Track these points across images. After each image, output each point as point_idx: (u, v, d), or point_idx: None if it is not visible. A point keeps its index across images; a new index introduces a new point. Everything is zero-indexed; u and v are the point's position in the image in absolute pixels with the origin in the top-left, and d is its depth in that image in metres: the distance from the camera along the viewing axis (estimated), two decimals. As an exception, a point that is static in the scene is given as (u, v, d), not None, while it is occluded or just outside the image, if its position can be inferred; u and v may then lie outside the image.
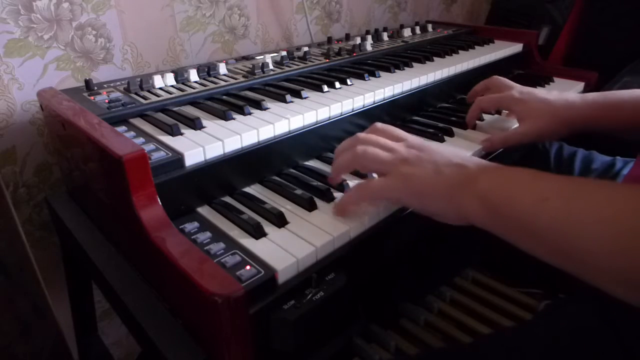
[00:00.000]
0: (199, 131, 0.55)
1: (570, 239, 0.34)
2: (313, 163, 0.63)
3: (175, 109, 0.62)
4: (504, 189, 0.40)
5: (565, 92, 0.72)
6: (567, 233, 0.34)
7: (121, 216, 0.47)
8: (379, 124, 0.54)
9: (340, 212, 0.50)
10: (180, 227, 0.47)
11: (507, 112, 0.77)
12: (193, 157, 0.50)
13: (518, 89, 0.71)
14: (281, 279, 0.41)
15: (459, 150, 0.49)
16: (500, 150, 0.70)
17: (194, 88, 0.66)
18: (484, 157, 0.68)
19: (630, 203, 0.32)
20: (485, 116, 0.78)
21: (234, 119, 0.59)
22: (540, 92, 0.70)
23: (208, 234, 0.46)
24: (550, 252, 0.37)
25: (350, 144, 0.52)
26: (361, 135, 0.52)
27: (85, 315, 0.81)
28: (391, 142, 0.49)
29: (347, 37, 1.02)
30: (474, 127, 0.74)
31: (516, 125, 0.71)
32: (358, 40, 0.97)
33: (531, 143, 0.70)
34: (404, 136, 0.51)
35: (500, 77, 0.76)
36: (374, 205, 0.51)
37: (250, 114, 0.60)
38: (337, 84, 0.71)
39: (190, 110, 0.62)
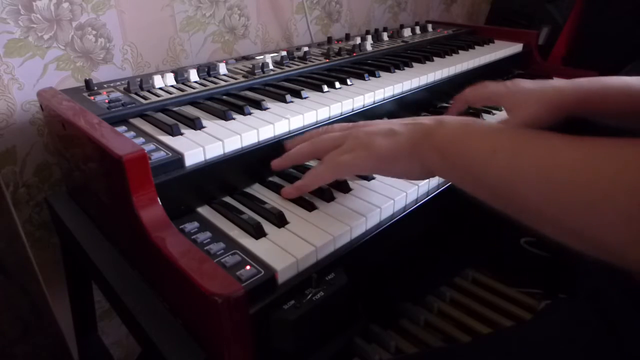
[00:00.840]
0: (199, 131, 0.55)
1: (515, 189, 0.36)
2: (313, 163, 0.63)
3: (175, 109, 0.62)
4: (458, 141, 0.42)
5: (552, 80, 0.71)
6: (513, 184, 0.36)
7: (121, 216, 0.47)
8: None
9: (303, 189, 0.52)
10: (180, 227, 0.47)
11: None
12: (193, 157, 0.50)
13: (504, 84, 0.69)
14: (281, 279, 0.41)
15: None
16: None
17: (194, 88, 0.66)
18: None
19: (568, 158, 0.34)
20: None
21: (234, 119, 0.59)
22: (526, 82, 0.68)
23: (208, 234, 0.46)
24: (500, 201, 0.39)
25: (304, 138, 0.54)
26: (314, 131, 0.55)
27: (85, 315, 0.81)
28: (344, 130, 0.52)
29: (347, 37, 1.02)
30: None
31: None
32: (358, 40, 0.97)
33: None
34: (352, 124, 0.53)
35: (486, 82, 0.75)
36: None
37: (250, 114, 0.60)
38: (337, 84, 0.71)
39: (190, 110, 0.62)
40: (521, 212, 0.37)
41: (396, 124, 0.48)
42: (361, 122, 0.52)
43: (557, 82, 0.66)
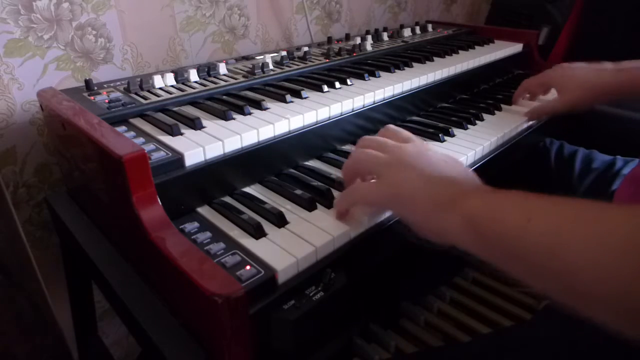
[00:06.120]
0: (199, 131, 0.55)
1: (556, 258, 0.32)
2: (313, 163, 0.63)
3: (175, 109, 0.62)
4: (488, 211, 0.38)
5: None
6: (553, 252, 0.32)
7: (121, 216, 0.47)
8: (390, 126, 0.53)
9: (339, 218, 0.49)
10: (180, 227, 0.47)
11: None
12: (193, 157, 0.50)
13: (556, 68, 0.78)
14: (281, 279, 0.41)
15: (458, 162, 0.47)
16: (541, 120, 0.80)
17: (194, 88, 0.66)
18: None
19: (619, 219, 0.30)
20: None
21: (234, 119, 0.59)
22: (576, 66, 0.76)
23: (208, 234, 0.46)
24: (536, 275, 0.35)
25: (355, 148, 0.51)
26: (366, 137, 0.52)
27: (85, 315, 0.81)
28: (391, 142, 0.48)
29: (347, 37, 1.02)
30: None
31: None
32: (358, 40, 0.97)
33: (566, 113, 0.77)
34: (410, 138, 0.50)
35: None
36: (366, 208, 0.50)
37: (250, 114, 0.60)
38: (337, 84, 0.71)
39: (190, 110, 0.62)
40: (565, 285, 0.32)
41: (436, 176, 0.44)
42: (415, 143, 0.48)
43: (604, 65, 0.73)
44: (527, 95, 0.87)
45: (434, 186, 0.43)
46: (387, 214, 0.52)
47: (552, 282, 0.33)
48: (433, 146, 0.49)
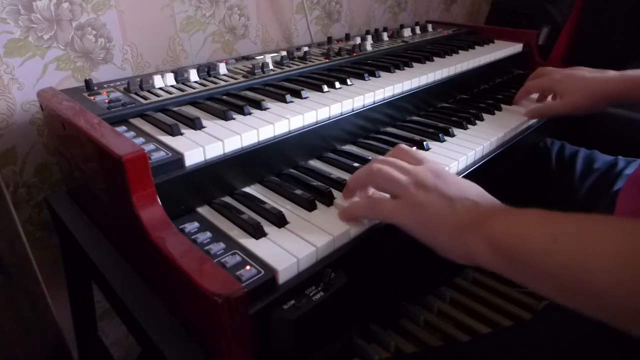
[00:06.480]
0: (199, 131, 0.55)
1: (582, 276, 0.33)
2: (313, 163, 0.63)
3: (175, 109, 0.62)
4: (513, 233, 0.39)
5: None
6: (580, 270, 0.33)
7: (121, 216, 0.47)
8: (401, 145, 0.53)
9: (345, 218, 0.49)
10: (180, 227, 0.47)
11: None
12: (193, 157, 0.50)
13: (559, 72, 0.79)
14: (281, 279, 0.41)
15: (474, 184, 0.47)
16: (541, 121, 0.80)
17: (194, 88, 0.66)
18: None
19: None
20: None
21: (234, 119, 0.59)
22: (579, 70, 0.76)
23: (208, 234, 0.46)
24: (564, 293, 0.35)
25: (367, 165, 0.51)
26: (380, 157, 0.51)
27: (85, 315, 0.81)
28: (409, 165, 0.48)
29: (347, 37, 1.02)
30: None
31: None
32: (358, 40, 0.97)
33: (567, 115, 0.77)
34: (424, 159, 0.49)
35: (544, 67, 0.84)
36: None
37: (250, 114, 0.60)
38: (337, 84, 0.71)
39: (190, 110, 0.62)
40: (593, 301, 0.33)
41: (458, 198, 0.44)
42: (431, 165, 0.48)
43: (608, 72, 0.73)
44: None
45: (456, 209, 0.43)
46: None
47: (580, 298, 0.34)
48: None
